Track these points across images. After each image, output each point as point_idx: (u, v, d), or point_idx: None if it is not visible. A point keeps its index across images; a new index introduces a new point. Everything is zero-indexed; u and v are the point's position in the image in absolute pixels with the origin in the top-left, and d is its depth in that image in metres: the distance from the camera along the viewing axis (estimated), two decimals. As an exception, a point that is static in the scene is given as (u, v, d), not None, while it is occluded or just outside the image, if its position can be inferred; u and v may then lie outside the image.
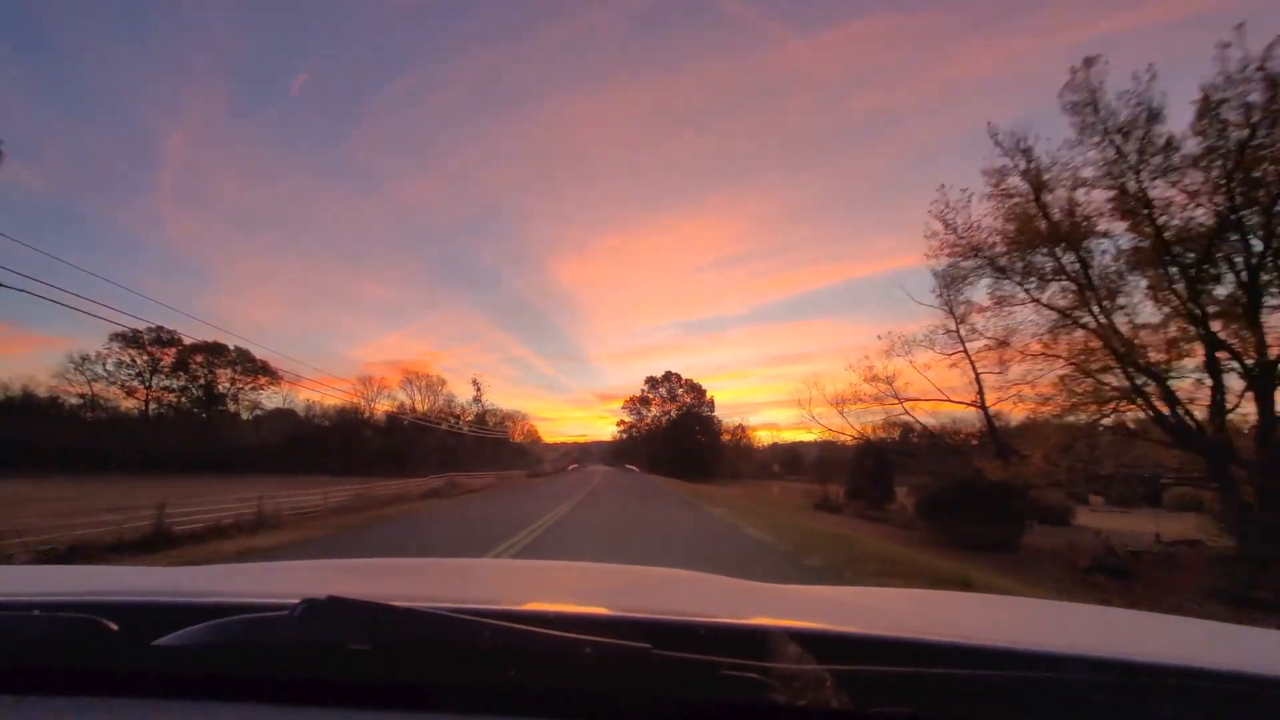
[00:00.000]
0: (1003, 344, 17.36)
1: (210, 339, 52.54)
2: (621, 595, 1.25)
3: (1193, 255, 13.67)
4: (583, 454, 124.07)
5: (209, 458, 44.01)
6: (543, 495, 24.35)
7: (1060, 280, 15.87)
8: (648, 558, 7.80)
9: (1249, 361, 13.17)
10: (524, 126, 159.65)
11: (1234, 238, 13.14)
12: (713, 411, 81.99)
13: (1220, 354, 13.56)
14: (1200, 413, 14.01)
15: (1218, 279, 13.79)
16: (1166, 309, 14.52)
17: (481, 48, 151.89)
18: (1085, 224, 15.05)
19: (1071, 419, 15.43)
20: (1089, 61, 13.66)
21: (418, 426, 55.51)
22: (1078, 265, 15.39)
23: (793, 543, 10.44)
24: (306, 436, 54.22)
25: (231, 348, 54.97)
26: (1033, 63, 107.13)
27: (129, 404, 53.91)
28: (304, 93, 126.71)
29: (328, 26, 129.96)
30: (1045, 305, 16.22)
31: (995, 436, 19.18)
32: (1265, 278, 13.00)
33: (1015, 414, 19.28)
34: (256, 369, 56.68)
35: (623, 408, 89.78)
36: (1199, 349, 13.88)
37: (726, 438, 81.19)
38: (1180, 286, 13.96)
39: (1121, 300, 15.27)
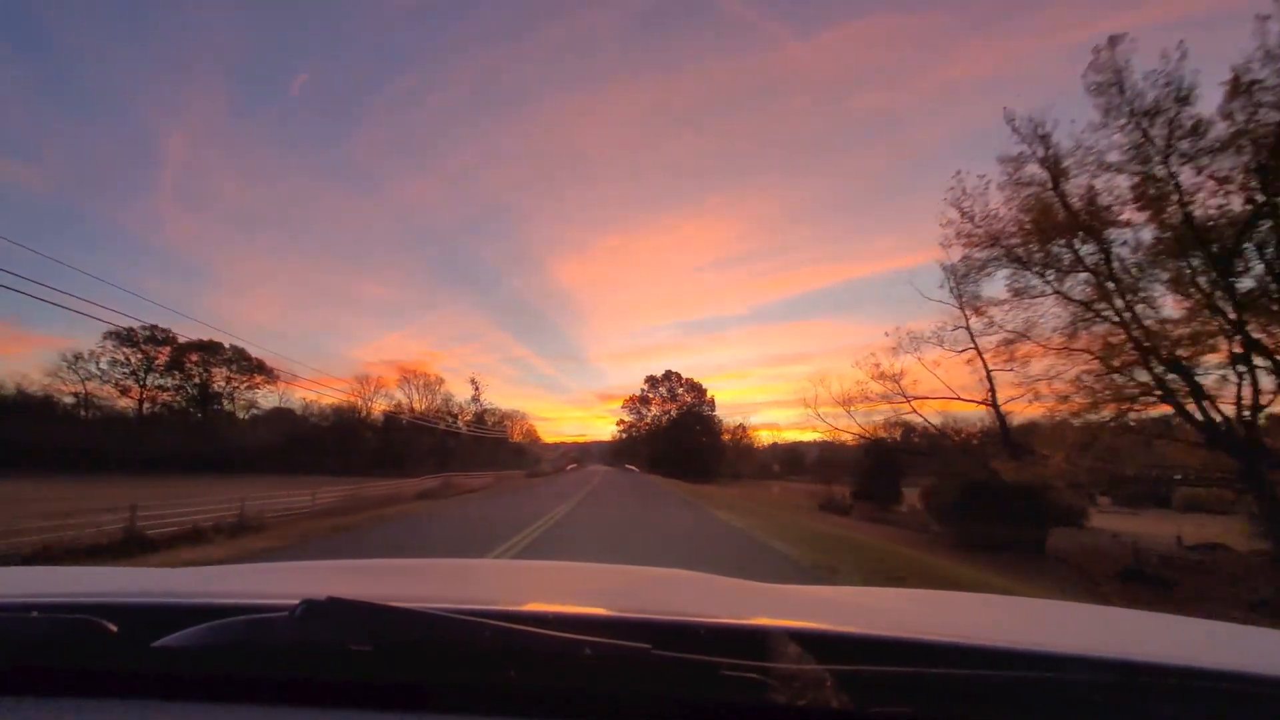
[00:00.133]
0: (1022, 337, 16.92)
1: (208, 338, 52.16)
2: (621, 595, 1.23)
3: (1221, 245, 13.09)
4: (582, 454, 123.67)
5: (209, 457, 43.44)
6: (541, 496, 23.86)
7: (1080, 272, 15.42)
8: (648, 559, 7.11)
9: (1280, 357, 12.65)
10: (524, 126, 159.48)
11: (1266, 225, 12.57)
12: (713, 411, 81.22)
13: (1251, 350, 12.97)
14: (1229, 410, 13.47)
15: (1247, 270, 13.23)
16: (1192, 302, 13.97)
17: (481, 48, 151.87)
18: (1106, 213, 14.58)
19: (1093, 417, 14.93)
20: (1114, 40, 13.21)
21: (415, 426, 55.23)
22: (1098, 256, 14.93)
23: (810, 555, 9.09)
24: (305, 436, 53.54)
25: (227, 346, 54.51)
26: (1033, 62, 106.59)
27: (124, 403, 53.45)
28: (304, 93, 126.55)
29: (328, 26, 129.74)
30: (1066, 297, 15.72)
31: (1008, 436, 18.71)
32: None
33: (1027, 413, 19.02)
34: (252, 368, 56.14)
35: (622, 407, 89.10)
36: (1226, 344, 13.37)
37: (727, 438, 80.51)
38: (1206, 279, 13.42)
39: (1144, 293, 14.78)
